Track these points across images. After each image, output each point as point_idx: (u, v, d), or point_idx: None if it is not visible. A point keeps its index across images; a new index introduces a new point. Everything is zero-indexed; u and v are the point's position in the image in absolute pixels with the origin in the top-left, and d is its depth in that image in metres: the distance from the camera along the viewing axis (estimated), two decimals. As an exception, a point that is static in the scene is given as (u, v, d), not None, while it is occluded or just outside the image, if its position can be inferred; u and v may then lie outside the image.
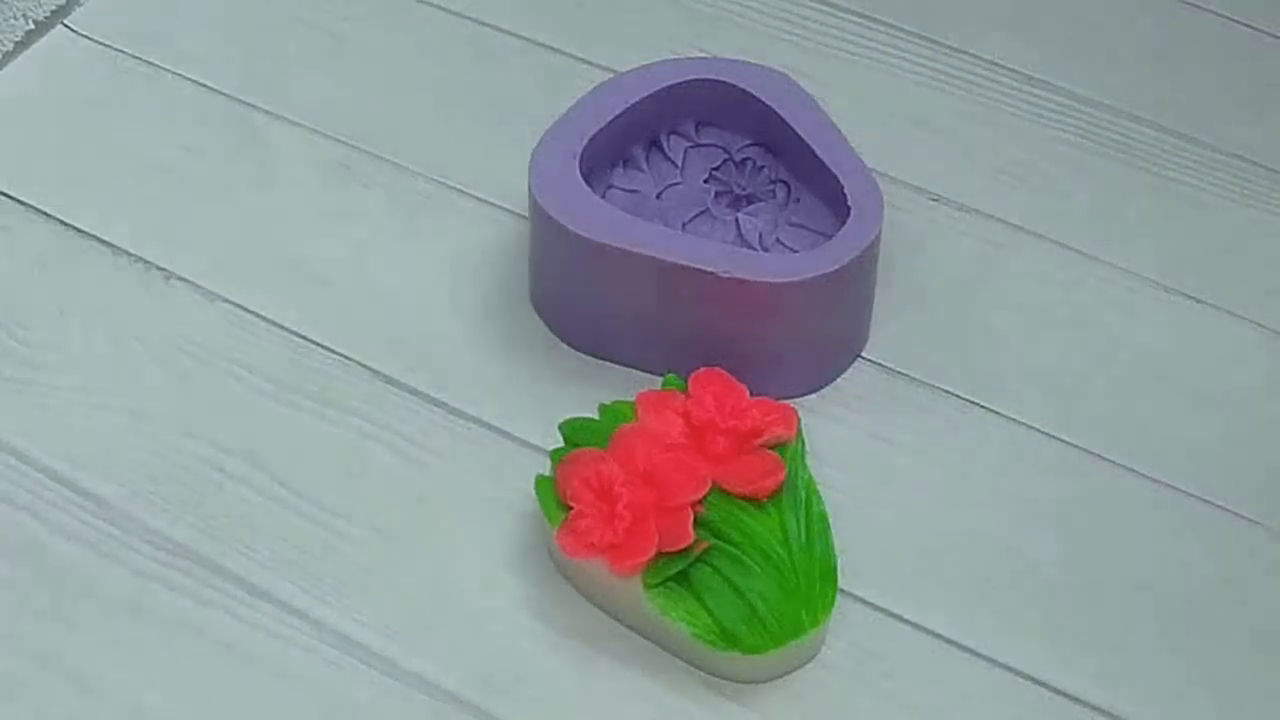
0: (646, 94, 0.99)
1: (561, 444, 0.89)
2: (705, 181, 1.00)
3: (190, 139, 1.07)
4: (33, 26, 1.12)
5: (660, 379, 0.91)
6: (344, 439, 0.94)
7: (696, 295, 0.92)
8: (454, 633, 0.87)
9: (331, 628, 0.87)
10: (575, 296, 0.96)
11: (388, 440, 0.94)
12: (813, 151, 0.97)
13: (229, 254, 1.02)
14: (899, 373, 0.98)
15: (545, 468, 0.89)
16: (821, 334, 0.95)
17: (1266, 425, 0.96)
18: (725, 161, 1.01)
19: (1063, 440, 0.95)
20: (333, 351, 0.98)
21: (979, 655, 0.87)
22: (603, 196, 0.98)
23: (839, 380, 0.97)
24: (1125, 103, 1.10)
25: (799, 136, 0.98)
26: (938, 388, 0.97)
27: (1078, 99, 1.10)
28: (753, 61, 1.02)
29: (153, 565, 0.89)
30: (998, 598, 0.89)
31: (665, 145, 1.01)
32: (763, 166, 1.01)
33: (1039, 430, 0.95)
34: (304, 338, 0.98)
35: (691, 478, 0.86)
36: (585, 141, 0.96)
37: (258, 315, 0.99)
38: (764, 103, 0.99)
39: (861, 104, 1.09)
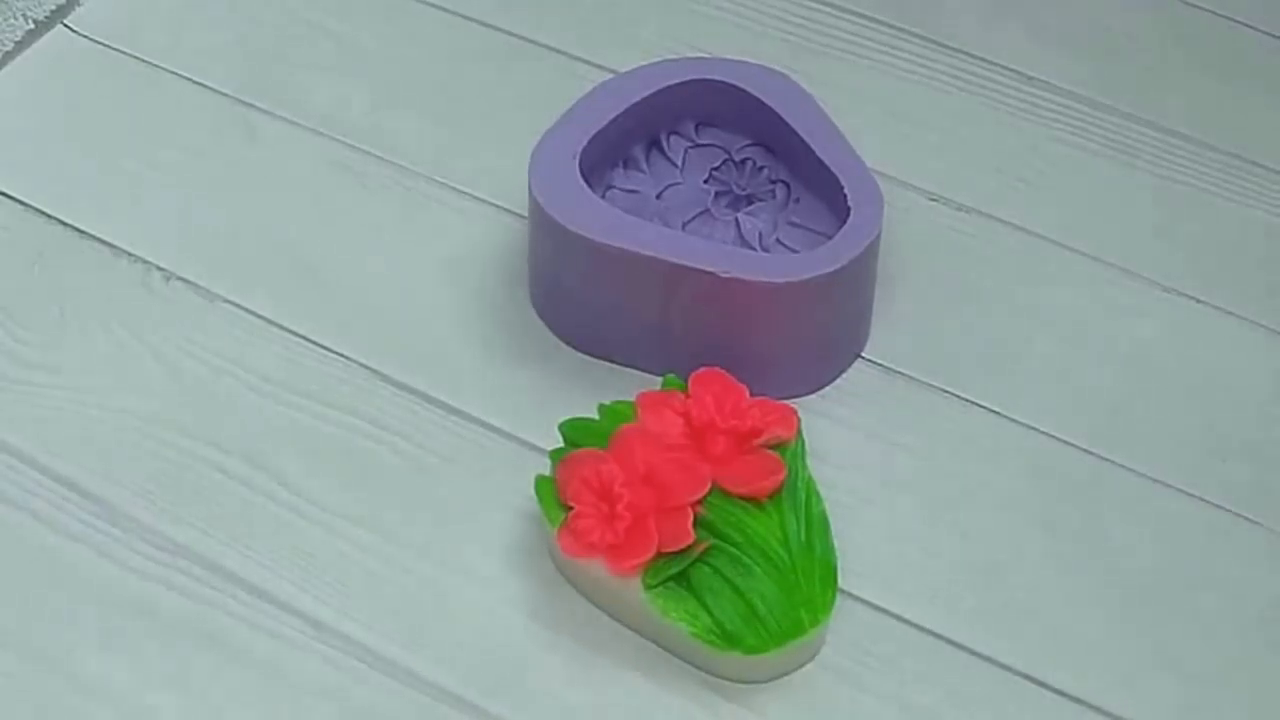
0: (646, 94, 0.99)
1: (561, 444, 0.89)
2: (705, 181, 1.00)
3: (190, 139, 1.07)
4: (33, 26, 1.12)
5: (660, 379, 0.91)
6: (344, 439, 0.94)
7: (696, 295, 0.92)
8: (454, 633, 0.87)
9: (331, 628, 0.87)
10: (575, 297, 0.96)
11: (388, 441, 0.94)
12: (813, 151, 0.97)
13: (229, 254, 1.02)
14: (899, 373, 0.98)
15: (545, 468, 0.89)
16: (821, 334, 0.95)
17: (1266, 425, 0.96)
18: (725, 161, 1.01)
19: (1063, 440, 0.95)
20: (333, 351, 0.98)
21: (979, 655, 0.87)
22: (603, 196, 0.98)
23: (839, 380, 0.97)
24: (1125, 103, 1.10)
25: (799, 136, 0.98)
26: (938, 388, 0.97)
27: (1078, 99, 1.10)
28: (753, 61, 1.02)
29: (153, 565, 0.89)
30: (998, 597, 0.89)
31: (665, 145, 1.01)
32: (763, 166, 1.01)
33: (1039, 430, 0.95)
34: (304, 338, 0.98)
35: (691, 478, 0.86)
36: (585, 141, 0.96)
37: (258, 315, 0.99)
38: (764, 103, 0.99)
39: (861, 104, 1.09)
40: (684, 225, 0.99)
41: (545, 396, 0.95)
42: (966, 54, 1.13)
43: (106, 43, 1.12)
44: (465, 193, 1.05)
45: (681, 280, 0.92)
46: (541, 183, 0.95)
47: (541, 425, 0.93)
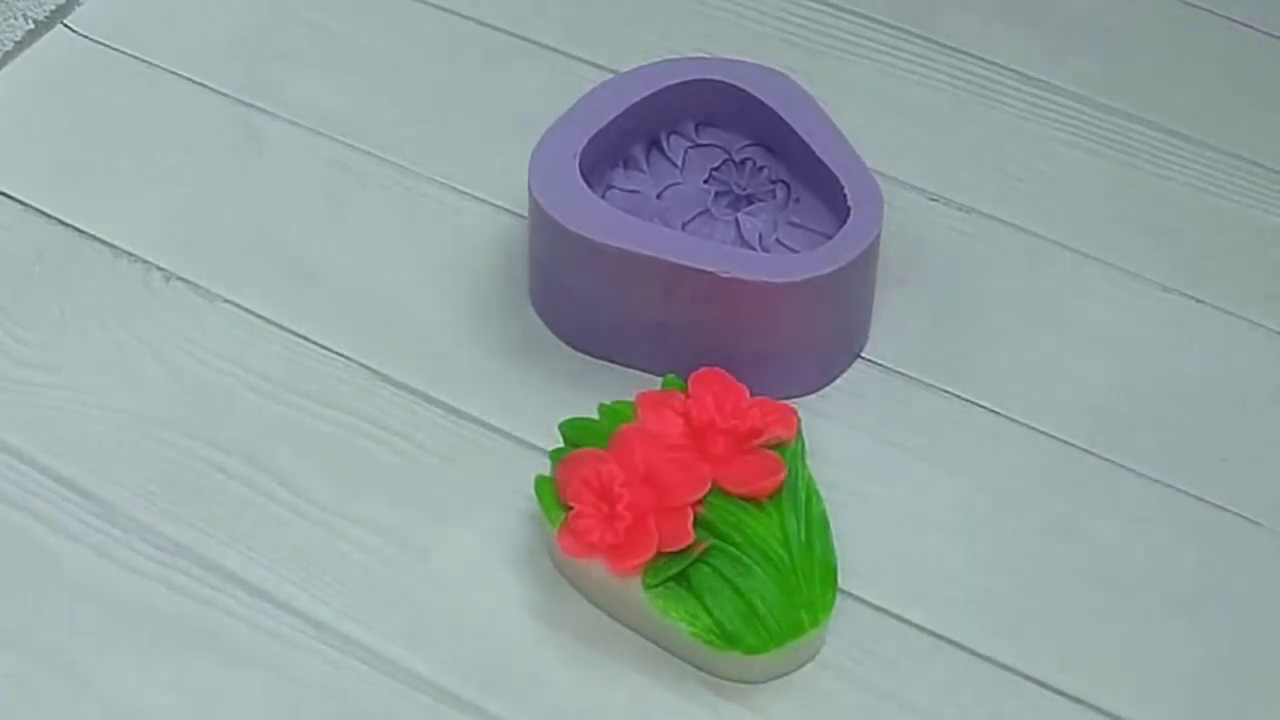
0: (646, 94, 0.99)
1: (561, 444, 0.89)
2: (705, 182, 1.00)
3: (190, 139, 1.07)
4: (33, 26, 1.12)
5: (660, 379, 0.91)
6: (344, 439, 0.94)
7: (696, 295, 0.92)
8: (454, 633, 0.87)
9: (331, 628, 0.87)
10: (575, 297, 0.96)
11: (388, 440, 0.94)
12: (813, 151, 0.97)
13: (229, 254, 1.02)
14: (899, 373, 0.98)
15: (545, 468, 0.89)
16: (821, 334, 0.95)
17: (1267, 425, 0.96)
18: (725, 161, 1.01)
19: (1062, 440, 0.95)
20: (332, 351, 0.98)
21: (978, 655, 0.87)
22: (603, 196, 0.98)
23: (839, 380, 0.97)
24: (1125, 103, 1.10)
25: (799, 136, 0.98)
26: (938, 388, 0.97)
27: (1078, 99, 1.10)
28: (753, 61, 1.02)
29: (153, 565, 0.89)
30: (997, 598, 0.89)
31: (665, 145, 1.01)
32: (763, 166, 1.01)
33: (1039, 430, 0.95)
34: (304, 338, 0.98)
35: (691, 478, 0.86)
36: (585, 141, 0.96)
37: (258, 315, 0.99)
38: (764, 103, 0.99)
39: (861, 104, 1.09)
40: (684, 225, 0.99)
41: (545, 396, 0.95)
42: (966, 54, 1.13)
43: (106, 43, 1.12)
44: (465, 193, 1.05)
45: (681, 280, 0.92)
46: (541, 183, 0.95)
47: (541, 425, 0.93)
